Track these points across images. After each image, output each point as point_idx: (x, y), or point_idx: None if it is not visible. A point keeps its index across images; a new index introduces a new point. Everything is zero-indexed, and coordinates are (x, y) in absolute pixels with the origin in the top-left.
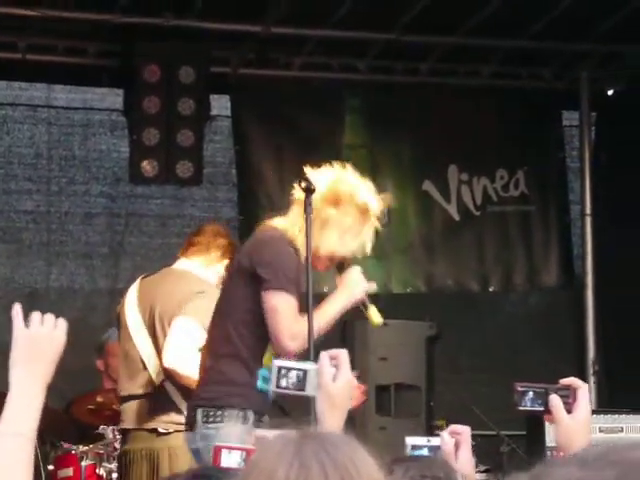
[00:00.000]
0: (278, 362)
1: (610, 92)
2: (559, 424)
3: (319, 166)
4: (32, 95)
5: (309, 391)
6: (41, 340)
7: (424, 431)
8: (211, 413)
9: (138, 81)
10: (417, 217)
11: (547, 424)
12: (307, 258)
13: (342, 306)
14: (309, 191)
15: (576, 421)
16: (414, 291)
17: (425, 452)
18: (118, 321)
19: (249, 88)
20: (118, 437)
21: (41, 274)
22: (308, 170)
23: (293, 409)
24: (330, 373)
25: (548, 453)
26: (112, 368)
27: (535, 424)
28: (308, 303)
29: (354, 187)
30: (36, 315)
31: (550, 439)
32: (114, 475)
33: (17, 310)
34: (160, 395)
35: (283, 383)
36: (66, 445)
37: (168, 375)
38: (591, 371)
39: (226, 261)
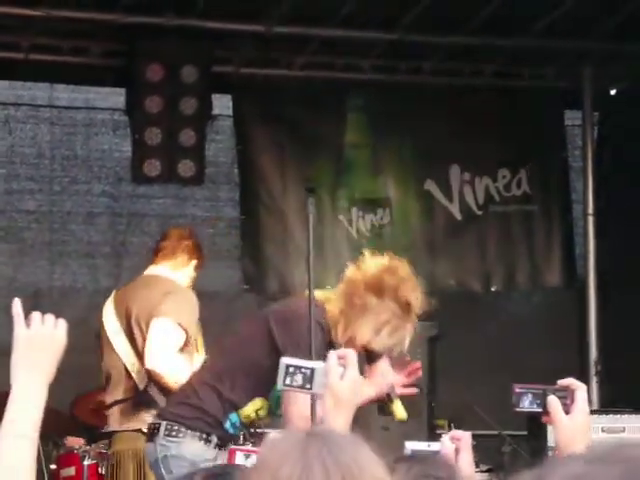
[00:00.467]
0: (286, 360)
1: (613, 91)
2: (557, 425)
3: (321, 166)
4: (34, 95)
5: (315, 389)
6: (42, 340)
7: (426, 431)
8: (175, 428)
9: (140, 81)
10: (419, 217)
11: (548, 424)
12: (308, 255)
13: (368, 397)
14: (310, 191)
15: (574, 422)
16: None
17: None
18: (99, 337)
19: (251, 88)
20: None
21: (44, 274)
22: (367, 255)
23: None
24: (338, 372)
25: (550, 453)
26: None
27: (537, 424)
28: (310, 302)
29: (400, 281)
30: (36, 315)
31: (552, 439)
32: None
33: (17, 309)
34: (144, 397)
35: (290, 381)
36: (71, 443)
37: (150, 376)
38: (593, 371)
39: (194, 262)
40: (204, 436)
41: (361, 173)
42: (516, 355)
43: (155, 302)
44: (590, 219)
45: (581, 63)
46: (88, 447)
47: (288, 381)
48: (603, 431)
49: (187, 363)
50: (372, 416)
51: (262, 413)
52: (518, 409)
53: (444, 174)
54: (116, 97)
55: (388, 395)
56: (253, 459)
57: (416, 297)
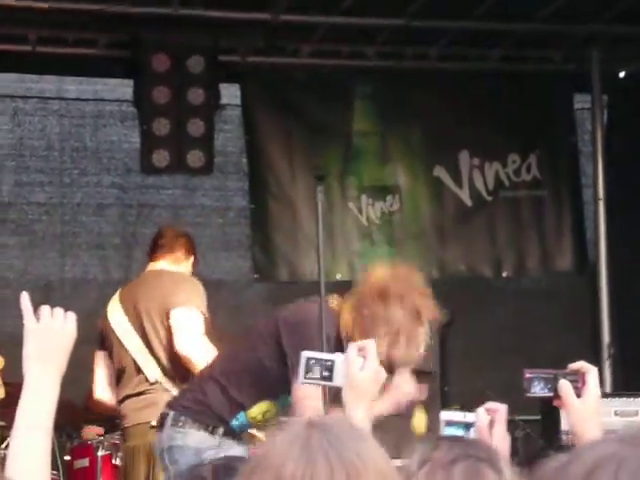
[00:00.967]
0: (307, 353)
1: (622, 74)
2: (569, 409)
3: (329, 154)
4: (43, 87)
5: (337, 381)
6: (52, 334)
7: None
8: (181, 418)
9: (147, 71)
10: (429, 203)
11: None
12: (318, 243)
13: (386, 410)
14: (319, 179)
15: (586, 405)
16: (426, 277)
17: (460, 428)
18: (102, 335)
19: (259, 76)
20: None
21: (55, 266)
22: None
23: None
24: (358, 363)
25: (563, 437)
26: None
27: (550, 409)
28: (320, 293)
29: (407, 287)
30: (45, 309)
31: (565, 423)
32: None
33: (26, 303)
34: (155, 390)
35: (311, 374)
36: (88, 432)
37: (184, 362)
38: (606, 355)
39: (191, 258)
40: (209, 428)
41: (370, 160)
42: (527, 340)
43: (167, 293)
44: (600, 203)
45: (589, 46)
46: (102, 438)
47: (309, 374)
48: (616, 414)
49: (212, 347)
50: None
51: (269, 416)
52: (529, 394)
53: (453, 160)
54: (124, 88)
55: (409, 408)
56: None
57: (425, 304)
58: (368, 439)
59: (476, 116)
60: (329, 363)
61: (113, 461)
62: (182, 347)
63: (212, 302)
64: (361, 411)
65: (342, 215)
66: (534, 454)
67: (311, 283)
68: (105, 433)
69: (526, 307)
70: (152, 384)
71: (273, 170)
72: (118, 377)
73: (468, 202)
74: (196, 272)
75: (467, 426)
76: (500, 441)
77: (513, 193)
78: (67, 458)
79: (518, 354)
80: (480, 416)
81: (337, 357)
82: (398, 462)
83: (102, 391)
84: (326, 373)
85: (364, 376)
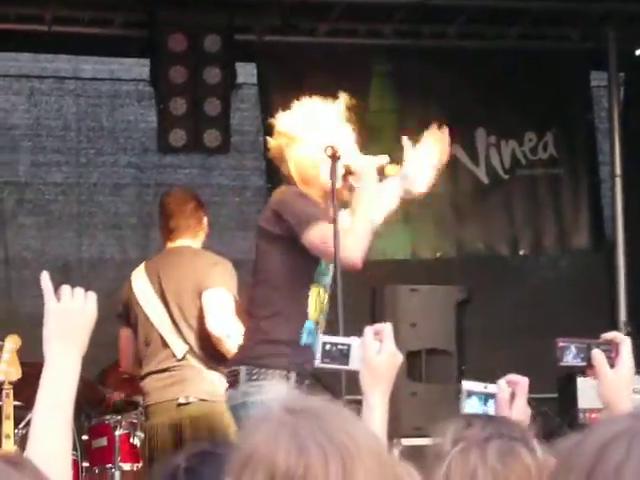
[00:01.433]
0: (323, 338)
1: (638, 52)
2: (603, 379)
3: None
4: (59, 67)
5: (353, 365)
6: (73, 314)
7: (456, 397)
8: (254, 371)
9: (163, 51)
10: (445, 181)
11: (579, 386)
12: (334, 222)
13: (371, 200)
14: (334, 158)
15: (619, 375)
16: (443, 256)
17: (481, 400)
18: (125, 306)
19: (275, 55)
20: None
21: (72, 246)
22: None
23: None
24: (374, 347)
25: (580, 415)
26: None
27: (567, 387)
28: (336, 273)
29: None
30: (66, 288)
31: (582, 401)
32: None
33: (46, 283)
34: (182, 367)
35: (328, 358)
36: (112, 398)
37: (215, 342)
38: (623, 332)
39: (204, 218)
40: (284, 373)
41: (386, 139)
42: (545, 318)
43: (201, 275)
44: (618, 181)
45: (606, 24)
46: (119, 417)
47: (326, 359)
48: (634, 392)
49: (243, 328)
50: (401, 382)
51: (323, 300)
52: (562, 363)
53: (470, 138)
54: (140, 68)
55: (379, 171)
56: None
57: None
58: (354, 419)
59: (493, 94)
60: (345, 347)
61: (131, 440)
62: (214, 328)
63: None
64: (379, 395)
65: None
66: (551, 432)
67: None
68: (124, 411)
69: (543, 285)
70: (179, 360)
71: None
72: (142, 352)
73: (485, 180)
74: (213, 251)
75: (487, 397)
76: (520, 414)
77: (530, 171)
78: (85, 437)
79: (535, 332)
80: (501, 387)
81: (353, 341)
82: (427, 440)
83: (129, 367)
84: (342, 357)
85: (381, 359)
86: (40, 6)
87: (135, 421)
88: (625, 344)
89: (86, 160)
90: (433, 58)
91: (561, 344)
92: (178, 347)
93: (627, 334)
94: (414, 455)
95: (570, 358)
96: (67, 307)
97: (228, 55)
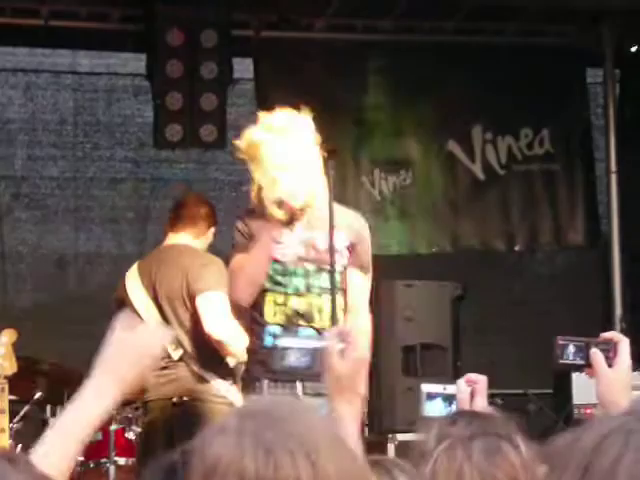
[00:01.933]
0: (283, 342)
1: (634, 49)
2: (601, 378)
3: (342, 128)
4: (56, 61)
5: (316, 369)
6: (137, 348)
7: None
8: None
9: (160, 45)
10: (442, 177)
11: (574, 382)
12: (330, 216)
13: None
14: (330, 153)
15: (618, 374)
16: (439, 251)
17: (445, 401)
18: (120, 306)
19: (272, 51)
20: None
21: (68, 240)
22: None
23: None
24: (337, 351)
25: (575, 411)
26: None
27: (562, 382)
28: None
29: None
30: (146, 325)
31: (577, 397)
32: None
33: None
34: (177, 367)
35: (292, 362)
36: None
37: (216, 345)
38: (618, 329)
39: (212, 228)
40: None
41: (383, 135)
42: (540, 314)
43: (193, 278)
44: (613, 177)
45: (601, 21)
46: (115, 412)
47: (291, 362)
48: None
49: (241, 328)
50: (397, 377)
51: (285, 300)
52: (561, 361)
53: (466, 134)
54: (137, 62)
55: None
56: None
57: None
58: (309, 409)
59: (489, 90)
60: (308, 350)
61: (126, 435)
62: (215, 332)
63: None
64: (346, 405)
65: (355, 189)
66: (546, 428)
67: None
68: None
69: (538, 281)
70: (174, 361)
71: None
72: None
73: (481, 176)
74: (211, 245)
75: (449, 398)
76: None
77: (526, 167)
78: None
79: (530, 328)
80: (460, 388)
81: (316, 344)
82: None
83: None
84: (307, 361)
85: (346, 365)
86: (37, 0)
87: (130, 416)
88: (623, 343)
89: (82, 154)
90: (430, 54)
91: (561, 342)
92: (173, 349)
93: (622, 330)
94: (410, 450)
95: (570, 356)
96: (134, 339)
97: (225, 50)
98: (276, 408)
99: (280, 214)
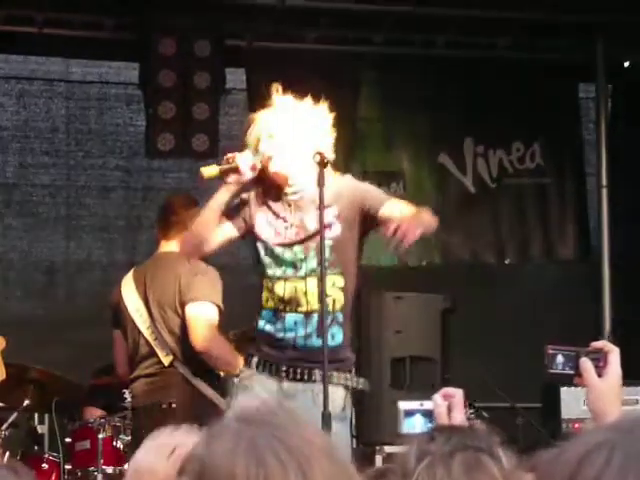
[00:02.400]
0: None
1: (626, 64)
2: (591, 388)
3: (334, 139)
4: (48, 69)
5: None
6: None
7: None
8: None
9: (153, 55)
10: (433, 190)
11: (562, 396)
12: (321, 226)
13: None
14: (321, 164)
15: (607, 384)
16: (430, 264)
17: (426, 417)
18: (115, 310)
19: (264, 61)
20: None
21: (59, 248)
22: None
23: None
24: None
25: (564, 425)
26: None
27: (550, 396)
28: (322, 278)
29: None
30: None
31: (566, 411)
32: None
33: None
34: (168, 373)
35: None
36: (89, 414)
37: (204, 357)
38: None
39: None
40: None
41: (374, 146)
42: (530, 327)
43: (183, 288)
44: (604, 191)
45: (594, 35)
46: (103, 420)
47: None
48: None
49: (226, 341)
50: (384, 390)
51: (282, 286)
52: (551, 371)
53: (458, 147)
54: (129, 71)
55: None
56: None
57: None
58: (301, 420)
59: (481, 104)
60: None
61: (114, 444)
62: (199, 344)
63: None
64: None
65: None
66: (534, 442)
67: None
68: (107, 415)
69: (529, 294)
70: (165, 367)
71: None
72: (131, 357)
73: (472, 189)
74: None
75: (428, 414)
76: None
77: (517, 181)
78: (68, 440)
79: (520, 341)
80: (437, 402)
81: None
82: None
83: (125, 374)
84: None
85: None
86: (31, 8)
87: (119, 424)
88: (614, 353)
89: (74, 162)
90: (422, 67)
91: (551, 351)
92: (164, 355)
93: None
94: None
95: (559, 366)
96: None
97: (217, 60)
98: (275, 417)
99: (254, 161)
